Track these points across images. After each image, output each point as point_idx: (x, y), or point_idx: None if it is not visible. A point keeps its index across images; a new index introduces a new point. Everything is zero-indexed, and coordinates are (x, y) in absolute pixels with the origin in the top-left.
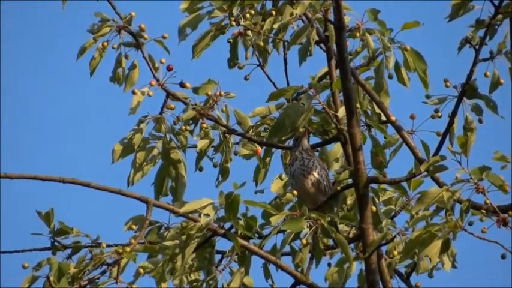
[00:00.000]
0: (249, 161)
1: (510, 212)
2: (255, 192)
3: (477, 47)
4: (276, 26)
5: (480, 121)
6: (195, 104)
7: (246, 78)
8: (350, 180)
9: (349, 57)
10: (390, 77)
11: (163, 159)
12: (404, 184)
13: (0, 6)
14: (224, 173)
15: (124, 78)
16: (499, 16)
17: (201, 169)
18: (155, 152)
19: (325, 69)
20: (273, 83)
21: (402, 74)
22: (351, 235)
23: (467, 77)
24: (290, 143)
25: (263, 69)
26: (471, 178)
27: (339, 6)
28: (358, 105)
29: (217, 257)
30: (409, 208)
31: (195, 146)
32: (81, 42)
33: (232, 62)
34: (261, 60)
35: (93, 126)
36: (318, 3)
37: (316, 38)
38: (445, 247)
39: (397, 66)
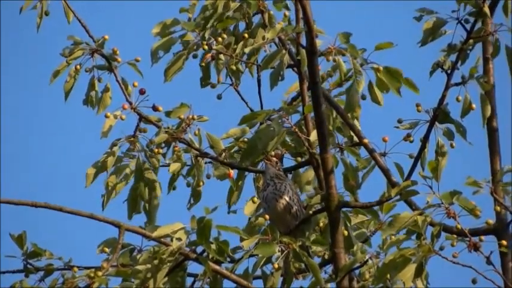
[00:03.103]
0: (222, 183)
1: (481, 238)
2: (228, 213)
3: (449, 71)
4: (247, 50)
5: (452, 146)
6: (168, 127)
7: (218, 97)
8: (322, 204)
9: (322, 79)
10: (364, 98)
11: (136, 179)
12: (377, 208)
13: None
14: (196, 196)
15: (97, 101)
16: (471, 41)
17: (174, 188)
18: (128, 170)
19: (296, 85)
20: (246, 103)
21: (376, 94)
22: (326, 256)
23: (439, 102)
24: (262, 166)
25: (236, 88)
26: (442, 203)
27: (311, 31)
28: (330, 126)
29: (189, 280)
30: (382, 230)
31: (167, 165)
32: (54, 65)
33: (205, 81)
34: (233, 79)
35: (67, 148)
36: (290, 28)
37: (289, 60)
38: (419, 271)
39: (370, 86)
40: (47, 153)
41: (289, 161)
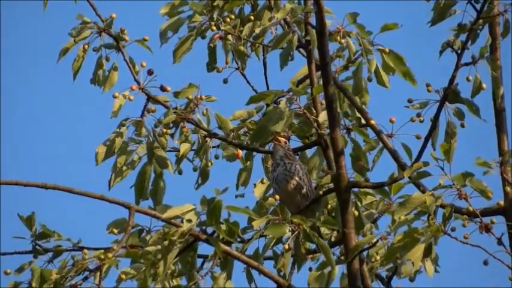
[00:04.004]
0: (229, 164)
1: (493, 219)
2: (236, 197)
3: (459, 51)
4: (256, 30)
5: (462, 125)
6: (176, 108)
7: (225, 82)
8: (332, 185)
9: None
10: (369, 79)
11: (149, 158)
12: (386, 188)
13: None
14: (204, 176)
15: (104, 80)
16: (481, 21)
17: (180, 172)
18: (135, 156)
19: (304, 70)
20: (252, 87)
21: (382, 76)
22: (333, 238)
23: (449, 82)
24: (271, 146)
25: (242, 72)
26: (454, 184)
27: (321, 11)
28: (338, 109)
29: (199, 261)
30: (391, 211)
31: (174, 150)
32: (61, 44)
33: (211, 65)
34: (239, 63)
35: (74, 129)
36: (300, 8)
37: (297, 42)
38: (428, 251)
39: (376, 68)
40: (55, 134)
41: (296, 144)
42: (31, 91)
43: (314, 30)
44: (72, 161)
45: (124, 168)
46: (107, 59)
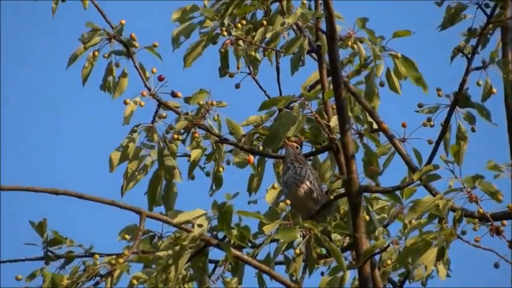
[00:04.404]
0: (242, 170)
1: (504, 222)
2: (248, 203)
3: (469, 56)
4: (268, 35)
5: (473, 130)
6: (187, 113)
7: (237, 87)
8: (343, 190)
9: (341, 65)
10: (382, 84)
11: (159, 164)
12: (398, 192)
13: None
14: (217, 181)
15: (114, 86)
16: (491, 25)
17: (193, 178)
18: (147, 161)
19: (315, 75)
20: (264, 91)
21: (393, 81)
22: (345, 244)
23: (460, 86)
24: (282, 152)
25: (254, 77)
26: (464, 187)
27: (331, 16)
28: (350, 113)
29: (211, 266)
30: (402, 217)
31: (185, 155)
32: (71, 50)
33: (223, 70)
34: (251, 68)
35: (83, 136)
36: (310, 13)
37: (308, 47)
38: (441, 255)
39: (388, 74)
40: (64, 140)
41: (308, 149)
42: (42, 99)
43: (324, 35)
44: (83, 168)
45: (136, 173)
46: (117, 65)
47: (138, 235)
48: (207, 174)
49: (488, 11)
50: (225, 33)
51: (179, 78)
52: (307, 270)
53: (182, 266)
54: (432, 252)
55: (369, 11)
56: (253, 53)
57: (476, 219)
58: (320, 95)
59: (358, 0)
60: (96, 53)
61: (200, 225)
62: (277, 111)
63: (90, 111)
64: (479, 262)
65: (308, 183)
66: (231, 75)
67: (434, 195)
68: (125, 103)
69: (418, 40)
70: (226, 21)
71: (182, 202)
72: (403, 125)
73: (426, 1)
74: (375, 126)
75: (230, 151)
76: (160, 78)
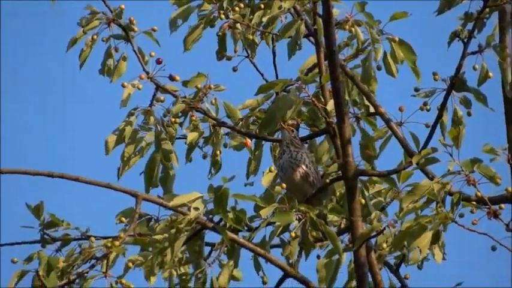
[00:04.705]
0: (240, 153)
1: (501, 205)
2: (245, 185)
3: (466, 40)
4: (264, 19)
5: (469, 114)
6: (185, 97)
7: (234, 70)
8: (339, 173)
9: (339, 48)
10: (379, 68)
11: (156, 147)
12: (394, 176)
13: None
14: (216, 165)
15: (113, 70)
16: (487, 9)
17: (190, 160)
18: (144, 143)
19: (313, 59)
20: (262, 74)
21: (390, 65)
22: (342, 225)
23: (456, 70)
24: (279, 135)
25: (251, 60)
26: (462, 170)
27: (327, 0)
28: (347, 97)
29: (207, 249)
30: (399, 199)
31: (183, 137)
32: (70, 34)
33: (221, 54)
34: (249, 51)
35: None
36: None
37: (305, 30)
38: (436, 239)
39: (385, 57)
40: (62, 123)
41: (305, 132)
42: (40, 83)
43: (321, 19)
44: (81, 152)
45: (133, 155)
46: (116, 50)
47: (134, 218)
48: (204, 157)
49: None
50: (223, 16)
51: (177, 61)
52: (303, 253)
53: (178, 249)
54: (427, 236)
55: None
56: (250, 37)
57: (474, 203)
58: (317, 79)
59: None
60: (95, 37)
61: (196, 208)
62: (274, 95)
63: (90, 94)
64: (477, 245)
65: (304, 166)
66: (229, 59)
67: (431, 179)
68: (123, 86)
69: (416, 25)
70: (224, 5)
71: (181, 185)
72: (400, 109)
73: None
74: (372, 110)
75: (227, 134)
76: (159, 62)
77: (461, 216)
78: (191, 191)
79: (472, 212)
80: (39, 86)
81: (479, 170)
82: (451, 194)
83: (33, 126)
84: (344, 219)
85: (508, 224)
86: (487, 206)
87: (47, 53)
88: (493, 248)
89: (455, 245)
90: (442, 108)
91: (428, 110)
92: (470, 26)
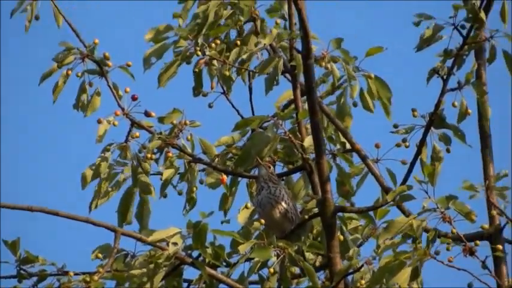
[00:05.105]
0: (215, 190)
1: (477, 242)
2: (222, 223)
3: (445, 77)
4: (244, 56)
5: (448, 151)
6: (160, 133)
7: (210, 106)
8: (317, 209)
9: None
10: (355, 105)
11: (133, 181)
12: (371, 213)
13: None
14: (191, 201)
15: (87, 104)
16: (467, 46)
17: (165, 196)
18: (121, 177)
19: (288, 94)
20: (237, 111)
21: (367, 101)
22: (317, 263)
23: (435, 107)
24: (255, 172)
25: (227, 97)
26: (438, 207)
27: (307, 36)
28: (323, 134)
29: (185, 285)
30: (376, 236)
31: (158, 173)
32: (44, 67)
33: (197, 90)
34: (225, 88)
35: (55, 154)
36: (286, 33)
37: (282, 67)
38: (415, 275)
39: (361, 93)
40: (38, 158)
41: (280, 169)
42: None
43: (300, 55)
44: (57, 185)
45: (109, 189)
46: (90, 85)
47: (113, 253)
48: (180, 193)
49: (464, 32)
50: (199, 52)
51: (153, 96)
52: None
53: (157, 284)
54: (406, 272)
55: (342, 30)
56: (227, 73)
57: (450, 240)
58: (294, 115)
59: (331, 17)
60: (70, 72)
61: (175, 244)
62: (250, 131)
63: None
64: (454, 282)
65: (283, 203)
66: (205, 95)
67: (407, 216)
68: (99, 122)
69: (395, 61)
70: (200, 41)
71: (155, 220)
72: (377, 146)
73: (403, 22)
74: (348, 146)
75: (203, 170)
76: (134, 98)
77: (437, 253)
78: (167, 226)
79: (447, 249)
80: (14, 120)
81: (455, 207)
82: (426, 230)
83: (6, 158)
84: (319, 257)
85: (483, 261)
86: (463, 243)
87: (19, 87)
88: (470, 285)
89: (433, 281)
90: (421, 144)
91: (407, 147)
92: (449, 62)
